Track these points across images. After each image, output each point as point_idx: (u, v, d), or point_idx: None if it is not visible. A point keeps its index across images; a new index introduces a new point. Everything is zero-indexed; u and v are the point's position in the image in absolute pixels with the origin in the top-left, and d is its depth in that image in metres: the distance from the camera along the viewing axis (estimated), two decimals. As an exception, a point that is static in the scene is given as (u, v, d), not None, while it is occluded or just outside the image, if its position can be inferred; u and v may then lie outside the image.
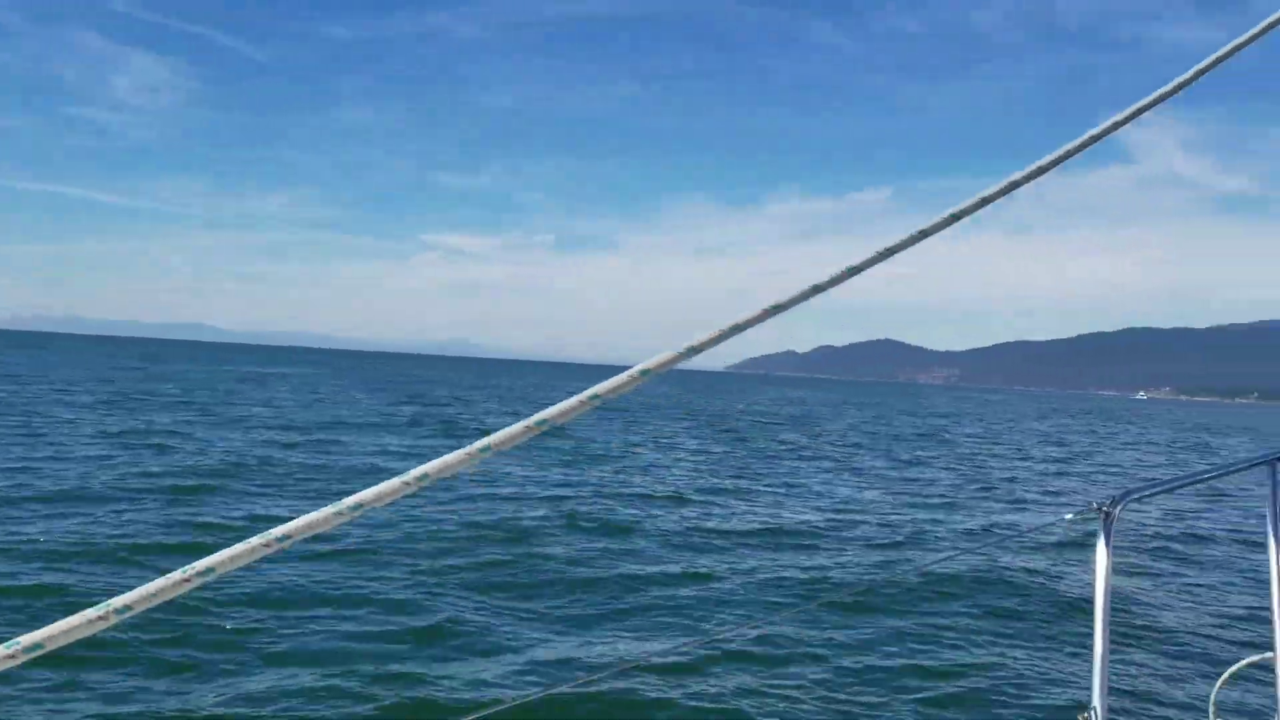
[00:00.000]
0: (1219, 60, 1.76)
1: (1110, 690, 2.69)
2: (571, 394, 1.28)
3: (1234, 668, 3.41)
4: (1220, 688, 3.47)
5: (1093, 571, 2.76)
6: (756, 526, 17.16)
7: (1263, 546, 2.93)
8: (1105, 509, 2.75)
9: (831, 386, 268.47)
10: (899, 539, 16.50)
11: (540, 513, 17.69)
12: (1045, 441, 52.91)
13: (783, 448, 37.89)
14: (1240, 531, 17.80)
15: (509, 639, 9.84)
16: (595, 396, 1.31)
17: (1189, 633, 10.90)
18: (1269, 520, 2.90)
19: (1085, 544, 12.90)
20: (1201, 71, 1.75)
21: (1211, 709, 3.49)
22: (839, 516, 18.70)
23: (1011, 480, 28.15)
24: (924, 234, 1.51)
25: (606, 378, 1.31)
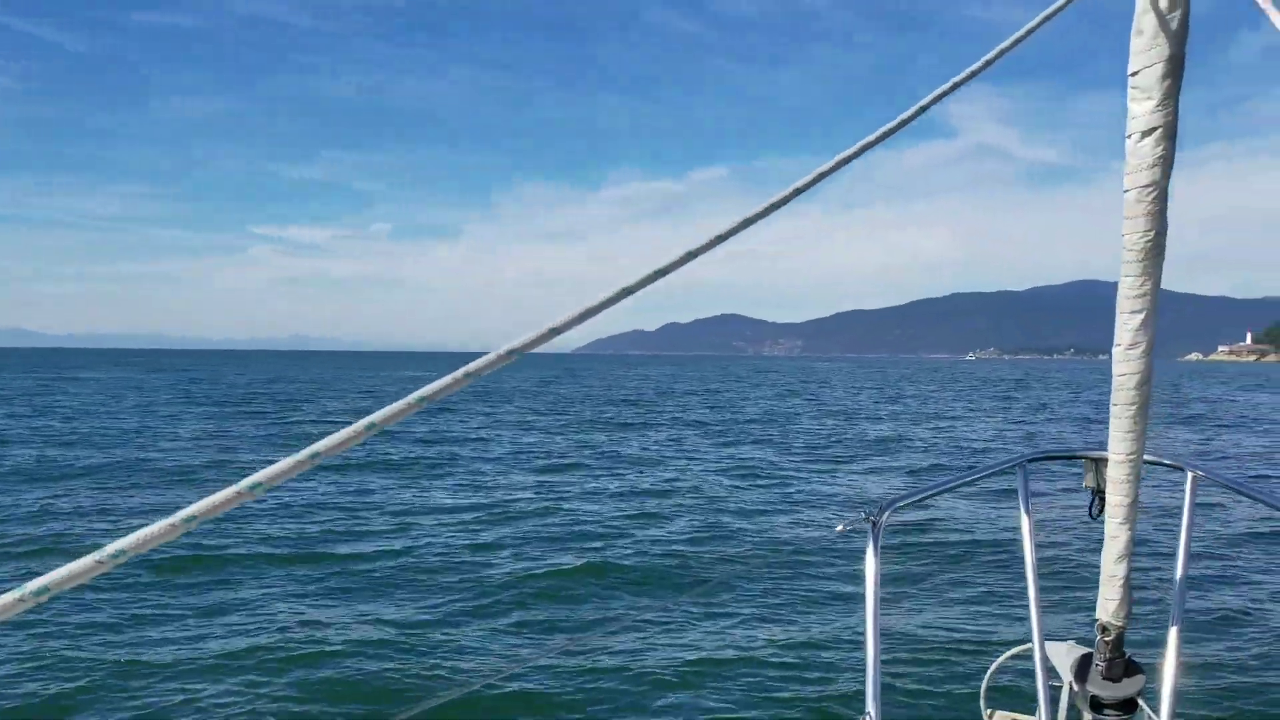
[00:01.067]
0: (1022, 38, 1.91)
1: (884, 694, 2.68)
2: (398, 396, 1.31)
3: (999, 660, 3.48)
4: (989, 681, 3.55)
5: (863, 579, 2.79)
6: (543, 535, 16.73)
7: (1018, 543, 3.04)
8: (872, 518, 2.83)
9: (680, 363, 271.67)
10: (685, 545, 16.32)
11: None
12: (878, 405, 53.95)
13: (605, 440, 37.31)
14: (999, 529, 18.59)
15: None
16: (423, 399, 1.31)
17: (957, 630, 11.18)
18: (1022, 518, 3.00)
19: (856, 552, 12.27)
20: (1005, 50, 1.87)
21: (982, 701, 3.57)
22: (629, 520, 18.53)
23: (805, 476, 27.34)
24: (769, 209, 1.59)
25: (436, 371, 1.40)
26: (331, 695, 8.74)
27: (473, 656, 10.16)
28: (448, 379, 1.30)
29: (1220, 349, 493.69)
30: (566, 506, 19.56)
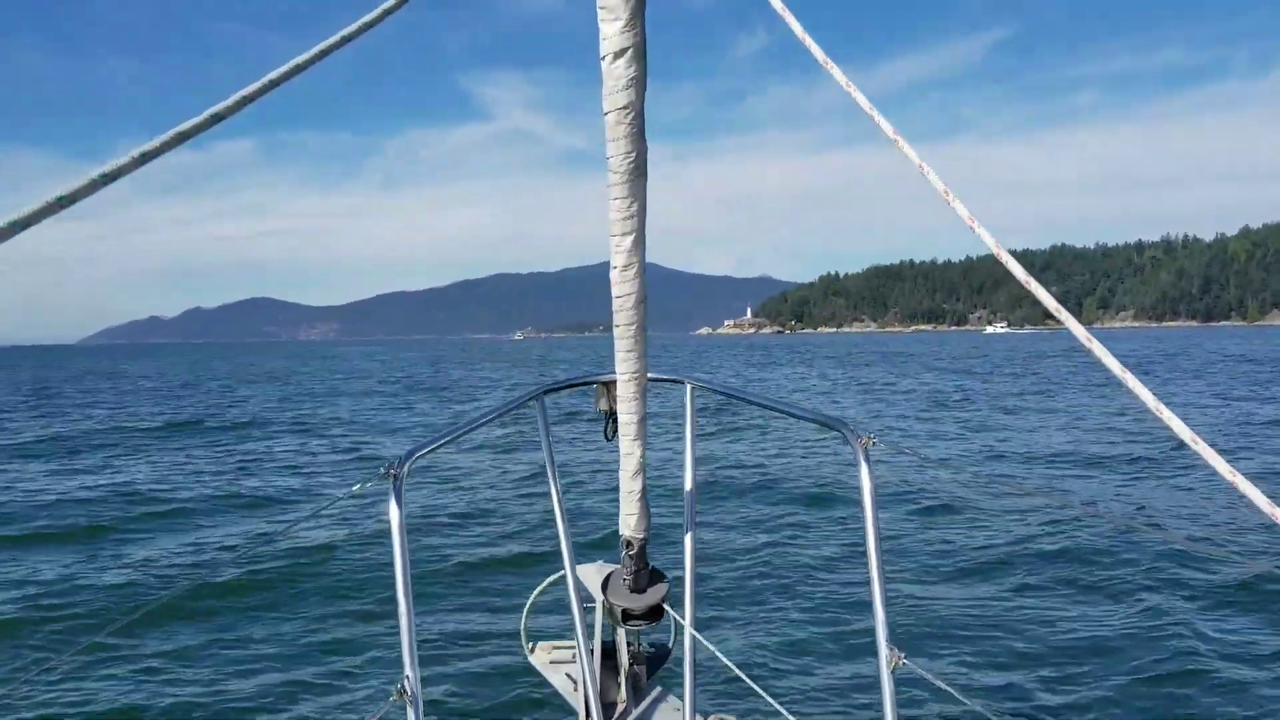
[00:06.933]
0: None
1: (421, 657, 2.46)
2: None
3: (534, 594, 3.49)
4: (526, 617, 3.54)
5: (389, 537, 2.52)
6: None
7: (544, 474, 3.13)
8: (393, 471, 2.56)
9: (198, 352, 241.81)
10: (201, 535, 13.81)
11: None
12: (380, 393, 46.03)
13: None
14: (528, 462, 18.74)
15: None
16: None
17: (496, 574, 11.00)
18: (544, 449, 3.06)
19: (381, 510, 9.83)
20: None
21: (523, 637, 3.57)
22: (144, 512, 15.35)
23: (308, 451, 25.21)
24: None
25: None
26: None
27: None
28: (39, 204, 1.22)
29: (726, 323, 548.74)
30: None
